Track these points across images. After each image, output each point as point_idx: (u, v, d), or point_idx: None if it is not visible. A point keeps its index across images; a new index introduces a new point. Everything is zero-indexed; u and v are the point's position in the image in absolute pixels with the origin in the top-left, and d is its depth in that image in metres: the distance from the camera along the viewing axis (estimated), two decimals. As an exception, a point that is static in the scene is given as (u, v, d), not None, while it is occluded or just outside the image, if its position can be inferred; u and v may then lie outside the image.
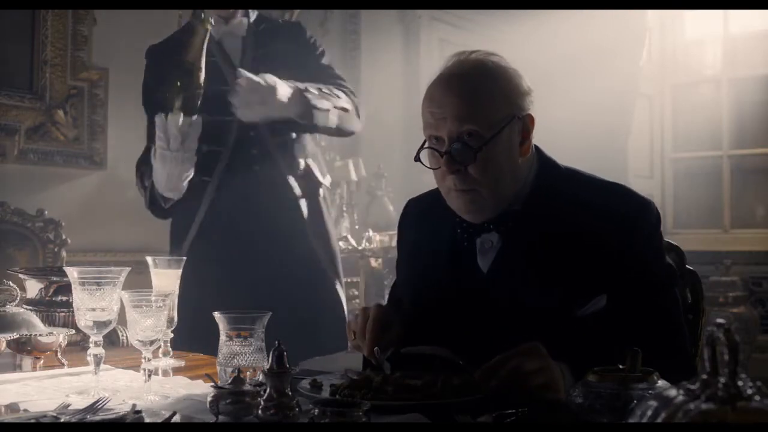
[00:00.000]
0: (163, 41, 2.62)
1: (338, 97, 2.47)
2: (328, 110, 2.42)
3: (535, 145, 1.58)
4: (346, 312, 2.54)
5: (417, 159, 1.53)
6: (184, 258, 1.83)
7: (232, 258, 2.41)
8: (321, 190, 2.58)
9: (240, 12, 2.55)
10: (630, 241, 1.48)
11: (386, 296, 4.58)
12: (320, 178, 2.57)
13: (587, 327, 1.45)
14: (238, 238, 2.42)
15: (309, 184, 2.54)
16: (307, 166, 2.55)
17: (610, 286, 1.47)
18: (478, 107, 1.47)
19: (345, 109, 2.49)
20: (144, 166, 2.45)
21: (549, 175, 1.57)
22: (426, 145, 1.53)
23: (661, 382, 1.09)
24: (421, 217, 1.73)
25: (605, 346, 1.19)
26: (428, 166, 1.53)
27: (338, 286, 2.55)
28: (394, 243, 5.19)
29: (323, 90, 2.44)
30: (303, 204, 2.50)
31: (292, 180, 2.50)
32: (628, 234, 1.48)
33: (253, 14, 2.59)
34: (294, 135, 2.51)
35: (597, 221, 1.49)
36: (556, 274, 1.48)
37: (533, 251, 1.51)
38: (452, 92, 1.48)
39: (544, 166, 1.58)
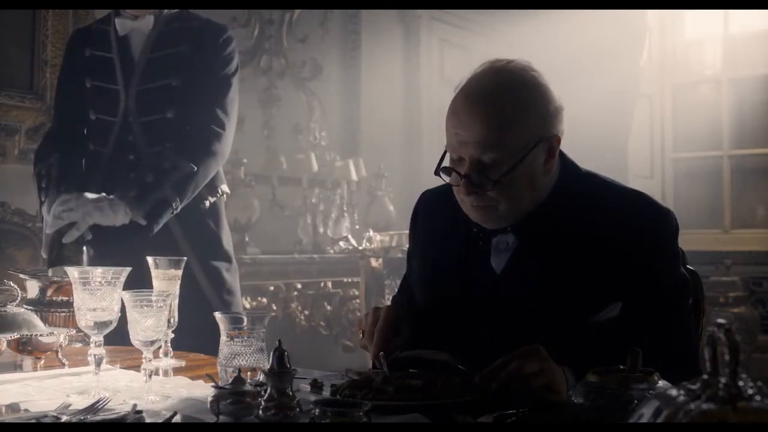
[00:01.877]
0: (82, 36, 2.58)
1: (174, 169, 2.31)
2: (167, 201, 2.30)
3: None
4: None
5: (437, 173, 1.51)
6: (185, 258, 1.83)
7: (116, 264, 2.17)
8: (206, 202, 2.45)
9: (151, 9, 2.44)
10: (647, 248, 1.47)
11: (386, 296, 4.58)
12: (203, 191, 2.42)
13: (597, 332, 1.44)
14: (118, 244, 2.28)
15: None
16: None
17: (625, 292, 1.45)
18: (503, 135, 1.43)
19: (181, 181, 2.32)
20: (41, 158, 2.43)
21: (569, 179, 1.55)
22: (446, 159, 1.51)
23: (661, 383, 1.08)
24: (436, 209, 1.70)
25: (614, 352, 1.18)
26: (447, 181, 1.51)
27: (219, 305, 2.36)
28: (395, 243, 5.17)
29: (153, 183, 2.30)
30: (175, 218, 2.35)
31: None
32: (646, 242, 1.47)
33: (169, 13, 2.46)
34: (169, 145, 2.37)
35: (615, 227, 1.48)
36: (570, 278, 1.46)
37: (549, 253, 1.49)
38: (478, 116, 1.44)
39: (565, 169, 1.56)
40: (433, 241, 1.67)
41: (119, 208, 2.24)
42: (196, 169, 2.32)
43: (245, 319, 1.45)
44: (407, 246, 1.82)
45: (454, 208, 1.58)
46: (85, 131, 2.50)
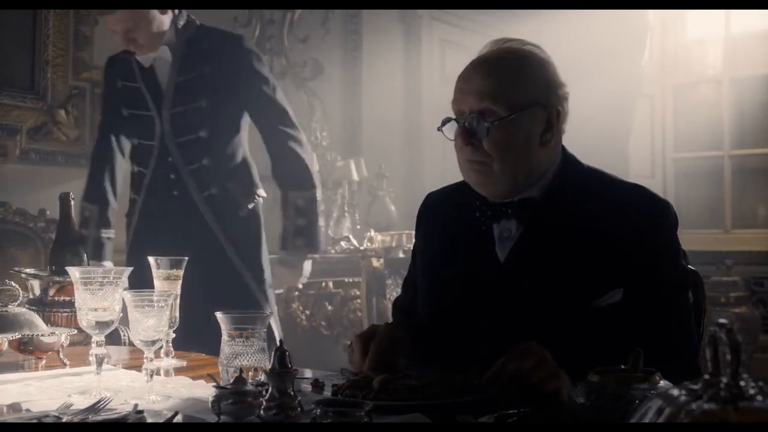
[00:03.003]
0: (119, 61, 2.74)
1: (310, 203, 2.74)
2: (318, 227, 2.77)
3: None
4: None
5: (440, 129, 1.58)
6: (186, 258, 1.83)
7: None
8: (241, 212, 2.70)
9: (167, 37, 2.61)
10: (648, 240, 1.48)
11: (387, 296, 4.58)
12: (240, 200, 2.70)
13: (598, 322, 1.45)
14: (168, 235, 2.56)
15: (224, 207, 2.68)
16: (225, 190, 2.67)
17: (625, 284, 1.47)
18: (500, 87, 1.51)
19: (313, 208, 2.75)
20: (87, 195, 2.79)
21: (570, 171, 1.59)
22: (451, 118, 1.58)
23: (663, 382, 1.08)
24: (440, 208, 1.74)
25: (615, 343, 1.19)
26: (448, 137, 1.58)
27: (262, 297, 2.69)
28: (396, 243, 5.16)
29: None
30: (218, 226, 2.64)
31: (203, 204, 2.64)
32: (646, 234, 1.49)
33: (184, 34, 2.64)
34: (206, 162, 2.64)
35: (616, 218, 1.50)
36: (572, 267, 1.48)
37: (551, 243, 1.52)
38: (479, 71, 1.54)
39: (567, 162, 1.60)
40: (438, 236, 1.69)
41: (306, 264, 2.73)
42: (315, 192, 2.73)
43: (247, 319, 1.45)
44: (409, 246, 1.83)
45: (458, 204, 1.62)
46: (130, 154, 2.78)
